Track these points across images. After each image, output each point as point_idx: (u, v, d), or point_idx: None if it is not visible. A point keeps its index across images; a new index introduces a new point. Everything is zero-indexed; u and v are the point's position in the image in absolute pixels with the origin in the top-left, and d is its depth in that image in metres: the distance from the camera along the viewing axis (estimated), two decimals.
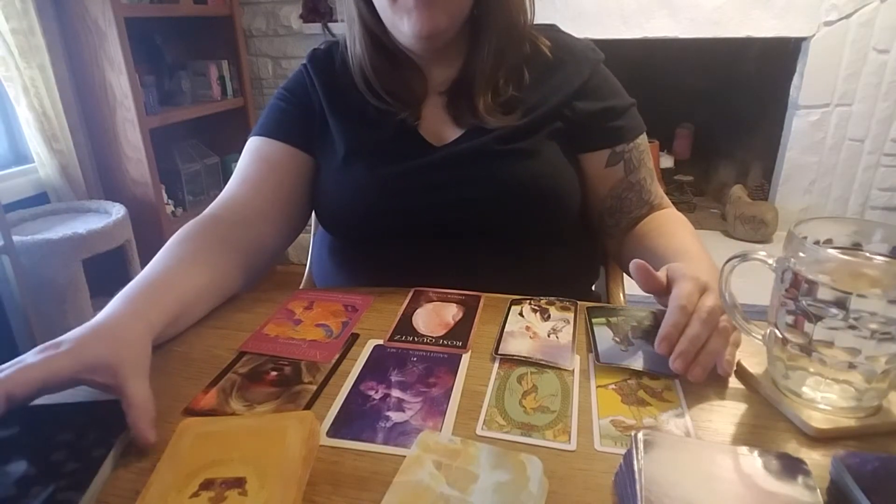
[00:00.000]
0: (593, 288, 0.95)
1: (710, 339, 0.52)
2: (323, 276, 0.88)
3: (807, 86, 2.08)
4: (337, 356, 0.58)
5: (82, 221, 1.85)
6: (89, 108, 2.03)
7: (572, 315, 0.65)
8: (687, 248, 0.70)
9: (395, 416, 0.49)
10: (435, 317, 0.65)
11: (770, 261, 0.50)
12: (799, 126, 2.14)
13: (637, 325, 0.62)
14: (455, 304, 0.68)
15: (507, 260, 0.77)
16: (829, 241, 0.50)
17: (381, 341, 0.61)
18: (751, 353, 0.55)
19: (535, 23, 0.80)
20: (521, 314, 0.65)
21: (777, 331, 0.49)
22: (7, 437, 0.45)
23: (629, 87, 0.82)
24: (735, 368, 0.54)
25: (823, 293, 0.45)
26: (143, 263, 0.71)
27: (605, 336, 0.60)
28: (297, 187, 0.81)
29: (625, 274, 0.92)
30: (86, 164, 2.04)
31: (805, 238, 0.47)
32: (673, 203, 0.86)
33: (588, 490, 0.42)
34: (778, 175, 2.24)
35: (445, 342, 0.60)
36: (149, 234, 2.09)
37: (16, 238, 1.65)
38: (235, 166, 0.82)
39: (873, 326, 0.43)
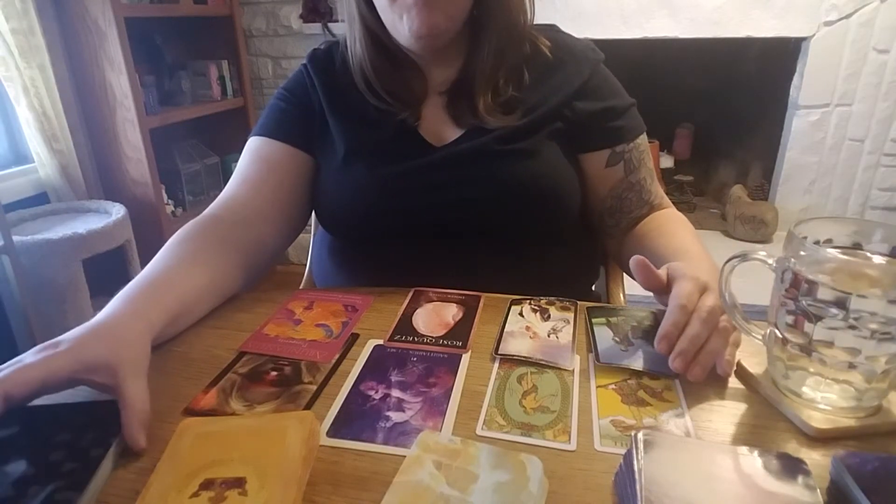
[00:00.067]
0: (593, 288, 0.95)
1: (710, 339, 0.52)
2: (323, 276, 0.88)
3: (807, 86, 2.08)
4: (337, 356, 0.58)
5: (82, 221, 1.85)
6: (89, 108, 2.04)
7: (572, 315, 0.65)
8: (687, 247, 0.70)
9: (395, 416, 0.49)
10: (435, 317, 0.65)
11: (770, 261, 0.50)
12: (799, 126, 2.14)
13: (637, 325, 0.62)
14: (455, 304, 0.68)
15: (507, 260, 0.77)
16: (829, 241, 0.50)
17: (381, 341, 0.61)
18: (751, 353, 0.55)
19: (535, 23, 0.80)
20: (521, 314, 0.65)
21: (777, 331, 0.49)
22: (6, 437, 0.45)
23: (629, 87, 0.82)
24: (735, 368, 0.54)
25: (823, 293, 0.45)
26: (143, 263, 0.70)
27: (605, 336, 0.60)
28: (297, 187, 0.81)
29: (625, 274, 0.92)
30: (86, 164, 2.04)
31: (805, 238, 0.47)
32: (673, 203, 0.86)
33: (588, 490, 0.42)
34: (778, 175, 2.24)
35: (445, 342, 0.60)
36: (149, 234, 2.09)
37: (16, 238, 1.65)
38: (235, 166, 0.82)
39: (873, 326, 0.43)
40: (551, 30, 0.83)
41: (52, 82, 1.86)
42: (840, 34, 2.00)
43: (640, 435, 0.41)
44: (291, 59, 2.55)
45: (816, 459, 0.44)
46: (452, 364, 0.56)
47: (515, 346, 0.59)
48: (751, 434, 0.47)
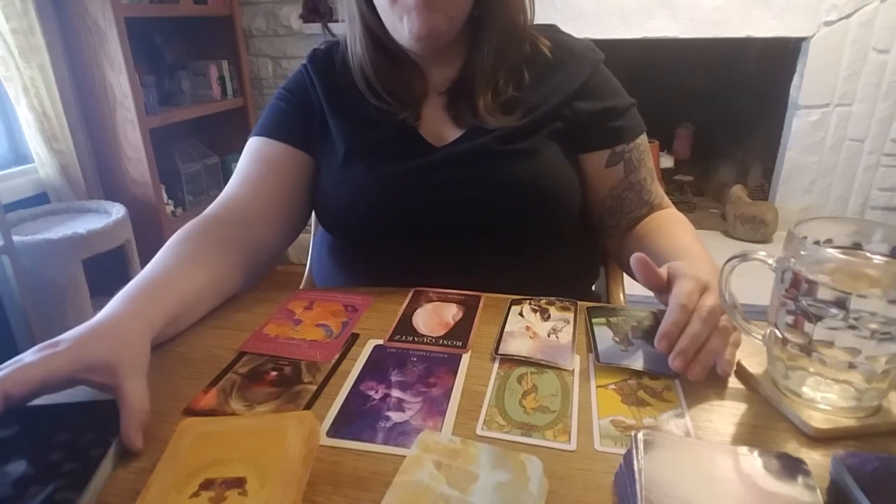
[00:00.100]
0: (593, 288, 0.95)
1: (710, 339, 0.52)
2: (323, 276, 0.88)
3: (807, 86, 2.08)
4: (337, 356, 0.58)
5: (82, 221, 1.85)
6: (89, 108, 2.04)
7: (572, 315, 0.65)
8: (688, 247, 0.70)
9: (395, 416, 0.49)
10: (435, 317, 0.65)
11: (770, 261, 0.50)
12: (799, 126, 2.14)
13: (637, 325, 0.62)
14: (455, 304, 0.68)
15: (507, 260, 0.77)
16: (829, 241, 0.50)
17: (381, 341, 0.61)
18: (751, 353, 0.55)
19: (535, 23, 0.80)
20: (521, 314, 0.65)
21: (777, 331, 0.49)
22: (6, 437, 0.45)
23: (629, 87, 0.82)
24: (735, 368, 0.54)
25: (823, 293, 0.45)
26: (143, 263, 0.70)
27: (605, 336, 0.60)
28: (297, 187, 0.81)
29: (625, 274, 0.92)
30: (86, 164, 2.04)
31: (805, 238, 0.47)
32: (673, 203, 0.86)
33: (588, 490, 0.42)
34: (778, 175, 2.24)
35: (445, 342, 0.60)
36: (149, 234, 2.09)
37: (16, 238, 1.65)
38: (235, 166, 0.82)
39: (873, 326, 0.43)
40: (551, 30, 0.83)
41: (52, 82, 1.86)
42: (840, 34, 2.00)
43: (640, 435, 0.41)
44: (291, 59, 2.55)
45: (816, 459, 0.44)
46: (452, 364, 0.56)
47: (515, 346, 0.59)
48: (751, 434, 0.47)
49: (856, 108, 2.08)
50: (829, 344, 0.45)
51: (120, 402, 0.46)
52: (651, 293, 0.61)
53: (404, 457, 0.42)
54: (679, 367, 0.51)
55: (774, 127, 2.24)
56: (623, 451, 0.44)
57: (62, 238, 1.68)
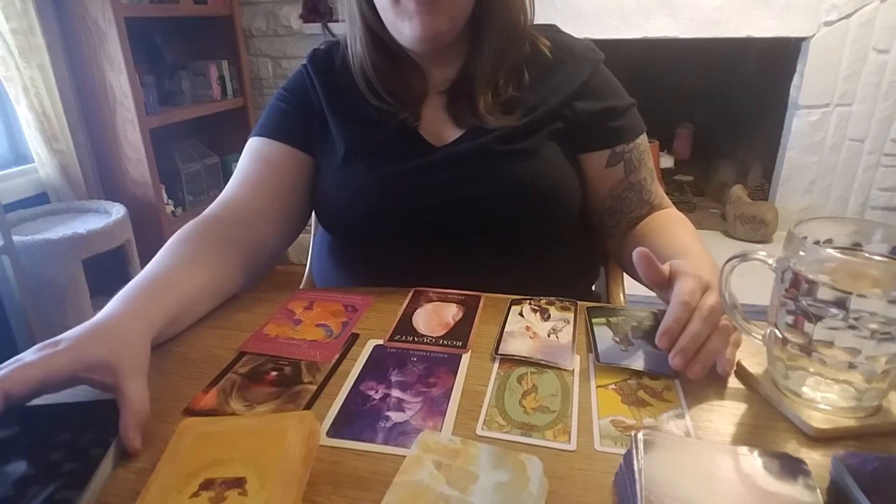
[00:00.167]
0: (593, 288, 0.95)
1: (711, 338, 0.52)
2: (323, 276, 0.88)
3: (807, 86, 2.08)
4: (337, 356, 0.58)
5: (82, 221, 1.85)
6: (89, 108, 2.04)
7: (572, 315, 0.65)
8: (688, 247, 0.70)
9: (395, 416, 0.49)
10: (435, 317, 0.65)
11: (770, 261, 0.50)
12: (799, 126, 2.14)
13: (637, 325, 0.62)
14: (455, 304, 0.68)
15: (507, 260, 0.77)
16: (829, 241, 0.50)
17: (381, 341, 0.61)
18: (751, 353, 0.55)
19: (535, 23, 0.80)
20: (521, 314, 0.65)
21: (777, 331, 0.49)
22: (6, 437, 0.45)
23: (629, 87, 0.82)
24: (735, 368, 0.54)
25: (823, 293, 0.45)
26: (143, 263, 0.71)
27: (605, 336, 0.60)
28: (297, 188, 0.81)
29: (625, 274, 0.92)
30: (86, 164, 2.04)
31: (805, 238, 0.47)
32: (673, 203, 0.86)
33: (588, 490, 0.42)
34: (778, 175, 2.24)
35: (445, 342, 0.60)
36: (149, 234, 2.09)
37: (16, 238, 1.65)
38: (235, 166, 0.82)
39: (873, 326, 0.43)
40: (551, 30, 0.83)
41: (52, 82, 1.86)
42: (840, 34, 2.00)
43: (640, 435, 0.41)
44: (291, 59, 2.55)
45: (816, 459, 0.44)
46: (452, 364, 0.56)
47: (515, 346, 0.59)
48: (751, 434, 0.47)
49: (856, 108, 2.08)
50: (829, 344, 0.45)
51: (120, 402, 0.47)
52: (652, 294, 0.61)
53: (404, 457, 0.42)
54: (679, 365, 0.51)
55: (774, 127, 2.24)
56: (623, 451, 0.44)
57: (62, 238, 1.68)
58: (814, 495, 0.37)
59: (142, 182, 2.10)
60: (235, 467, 0.41)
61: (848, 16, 1.97)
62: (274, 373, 0.56)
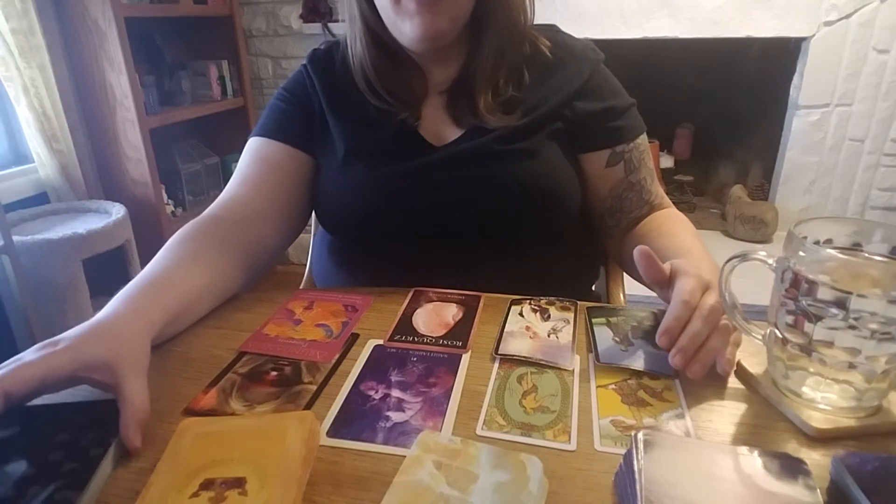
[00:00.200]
0: (593, 288, 0.95)
1: (711, 337, 0.52)
2: (323, 276, 0.88)
3: (807, 86, 2.08)
4: (337, 356, 0.58)
5: (82, 221, 1.85)
6: (89, 108, 2.04)
7: (572, 315, 0.65)
8: (688, 247, 0.70)
9: (395, 416, 0.49)
10: (435, 317, 0.65)
11: (770, 261, 0.50)
12: (799, 126, 2.14)
13: (637, 325, 0.62)
14: (455, 304, 0.68)
15: (507, 260, 0.77)
16: (829, 241, 0.50)
17: (381, 341, 0.61)
18: (751, 353, 0.55)
19: (535, 23, 0.80)
20: (521, 314, 0.65)
21: (777, 331, 0.49)
22: (6, 437, 0.45)
23: (629, 87, 0.82)
24: (735, 368, 0.54)
25: (823, 293, 0.45)
26: (143, 263, 0.71)
27: (605, 336, 0.60)
28: (297, 188, 0.81)
29: (625, 274, 0.92)
30: (86, 164, 2.04)
31: (805, 238, 0.47)
32: (673, 203, 0.86)
33: (588, 490, 0.42)
34: (778, 175, 2.24)
35: (445, 342, 0.60)
36: (149, 234, 2.09)
37: (16, 238, 1.65)
38: (235, 166, 0.82)
39: (873, 326, 0.43)
40: (551, 30, 0.83)
41: (52, 82, 1.86)
42: (840, 34, 2.00)
43: (640, 435, 0.41)
44: (291, 59, 2.55)
45: (816, 459, 0.44)
46: (452, 364, 0.56)
47: (515, 346, 0.59)
48: (751, 434, 0.47)
49: (856, 108, 2.08)
50: (829, 344, 0.45)
51: (119, 401, 0.47)
52: (652, 294, 0.61)
53: (404, 457, 0.42)
54: (679, 364, 0.51)
55: (774, 127, 2.24)
56: (623, 451, 0.44)
57: (62, 238, 1.68)
58: (814, 495, 0.37)
59: (142, 182, 2.10)
60: (235, 467, 0.41)
61: (848, 16, 1.97)
62: (274, 373, 0.56)
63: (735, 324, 0.54)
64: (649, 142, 0.83)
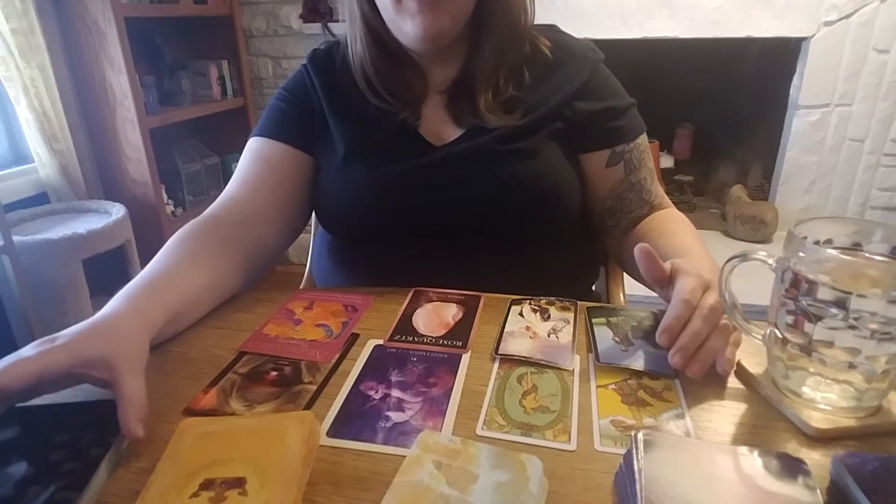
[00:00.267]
0: (593, 288, 0.95)
1: (711, 337, 0.52)
2: (323, 276, 0.88)
3: (807, 86, 2.08)
4: (337, 356, 0.58)
5: (82, 221, 1.85)
6: (89, 108, 2.04)
7: (572, 315, 0.65)
8: (689, 247, 0.70)
9: (395, 416, 0.49)
10: (435, 317, 0.65)
11: (770, 261, 0.50)
12: (799, 126, 2.14)
13: (637, 325, 0.62)
14: (455, 304, 0.68)
15: (507, 260, 0.77)
16: (829, 241, 0.50)
17: (381, 341, 0.61)
18: (751, 353, 0.55)
19: (535, 23, 0.80)
20: (521, 314, 0.65)
21: (777, 331, 0.49)
22: (6, 437, 0.45)
23: (629, 87, 0.82)
24: (735, 368, 0.54)
25: (823, 293, 0.45)
26: (143, 263, 0.71)
27: (605, 336, 0.60)
28: (297, 188, 0.81)
29: (625, 274, 0.92)
30: (86, 164, 2.04)
31: (805, 238, 0.47)
32: (673, 203, 0.86)
33: (588, 490, 0.42)
34: (778, 175, 2.24)
35: (445, 342, 0.60)
36: (149, 234, 2.09)
37: (16, 238, 1.65)
38: (235, 166, 0.82)
39: (873, 326, 0.43)
40: (551, 30, 0.83)
41: (52, 82, 1.86)
42: (840, 34, 2.00)
43: (640, 435, 0.41)
44: (291, 59, 2.55)
45: (816, 459, 0.44)
46: (452, 364, 0.56)
47: (515, 346, 0.59)
48: (751, 434, 0.47)
49: (856, 108, 2.08)
50: (829, 344, 0.45)
51: (117, 397, 0.46)
52: (652, 294, 0.61)
53: (404, 457, 0.42)
54: (678, 363, 0.51)
55: (774, 127, 2.24)
56: (623, 451, 0.44)
57: (62, 238, 1.68)
58: (814, 495, 0.37)
59: (142, 182, 2.10)
60: (235, 467, 0.41)
61: (848, 16, 1.97)
62: (274, 373, 0.56)
63: (735, 324, 0.54)
64: (649, 142, 0.83)
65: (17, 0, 1.74)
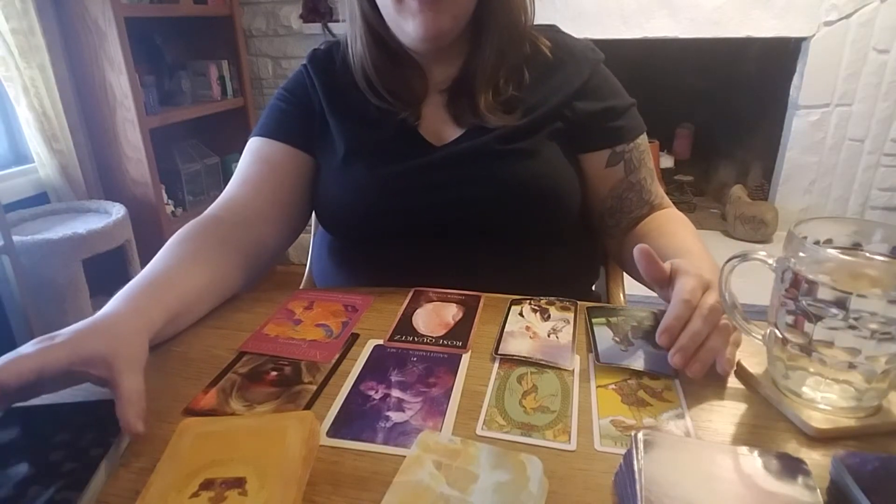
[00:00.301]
0: (593, 288, 0.95)
1: (711, 337, 0.52)
2: (323, 276, 0.88)
3: (807, 86, 2.08)
4: (337, 356, 0.58)
5: (82, 221, 1.85)
6: (89, 108, 2.04)
7: (572, 315, 0.65)
8: (689, 247, 0.70)
9: (395, 416, 0.49)
10: (435, 317, 0.65)
11: (770, 261, 0.50)
12: (799, 126, 2.14)
13: (637, 325, 0.62)
14: (455, 304, 0.68)
15: (507, 260, 0.77)
16: (829, 241, 0.50)
17: (381, 341, 0.61)
18: (751, 353, 0.55)
19: (535, 23, 0.80)
20: (521, 314, 0.65)
21: (777, 331, 0.49)
22: (6, 437, 0.45)
23: (629, 87, 0.82)
24: (735, 368, 0.54)
25: (823, 293, 0.45)
26: (143, 263, 0.71)
27: (605, 336, 0.60)
28: (297, 188, 0.81)
29: (625, 274, 0.92)
30: (86, 164, 2.04)
31: (805, 238, 0.47)
32: (673, 203, 0.86)
33: (588, 490, 0.42)
34: (778, 175, 2.24)
35: (445, 342, 0.60)
36: (149, 234, 2.09)
37: (16, 238, 1.65)
38: (235, 166, 0.82)
39: (873, 326, 0.43)
40: (551, 30, 0.83)
41: (52, 82, 1.86)
42: (840, 34, 2.00)
43: (640, 435, 0.41)
44: (291, 59, 2.55)
45: (816, 459, 0.44)
46: (452, 364, 0.56)
47: (515, 346, 0.59)
48: (751, 434, 0.47)
49: (856, 108, 2.08)
50: (829, 344, 0.45)
51: (115, 395, 0.46)
52: (652, 294, 0.61)
53: (404, 457, 0.42)
54: (678, 363, 0.51)
55: (774, 127, 2.24)
56: (623, 451, 0.44)
57: (62, 238, 1.68)
58: (814, 495, 0.37)
59: (142, 182, 2.10)
60: (235, 467, 0.41)
61: (848, 16, 1.97)
62: (274, 373, 0.56)
63: (735, 324, 0.54)
64: (649, 142, 0.83)
65: (17, 0, 1.74)
